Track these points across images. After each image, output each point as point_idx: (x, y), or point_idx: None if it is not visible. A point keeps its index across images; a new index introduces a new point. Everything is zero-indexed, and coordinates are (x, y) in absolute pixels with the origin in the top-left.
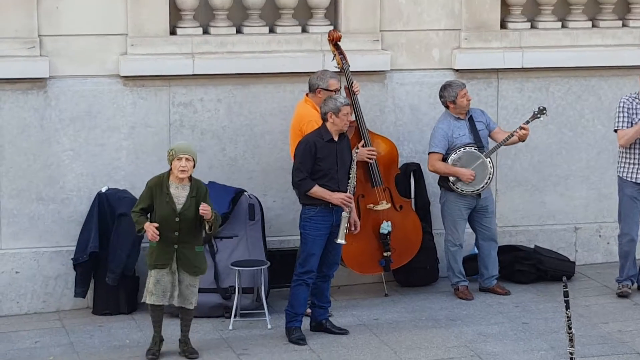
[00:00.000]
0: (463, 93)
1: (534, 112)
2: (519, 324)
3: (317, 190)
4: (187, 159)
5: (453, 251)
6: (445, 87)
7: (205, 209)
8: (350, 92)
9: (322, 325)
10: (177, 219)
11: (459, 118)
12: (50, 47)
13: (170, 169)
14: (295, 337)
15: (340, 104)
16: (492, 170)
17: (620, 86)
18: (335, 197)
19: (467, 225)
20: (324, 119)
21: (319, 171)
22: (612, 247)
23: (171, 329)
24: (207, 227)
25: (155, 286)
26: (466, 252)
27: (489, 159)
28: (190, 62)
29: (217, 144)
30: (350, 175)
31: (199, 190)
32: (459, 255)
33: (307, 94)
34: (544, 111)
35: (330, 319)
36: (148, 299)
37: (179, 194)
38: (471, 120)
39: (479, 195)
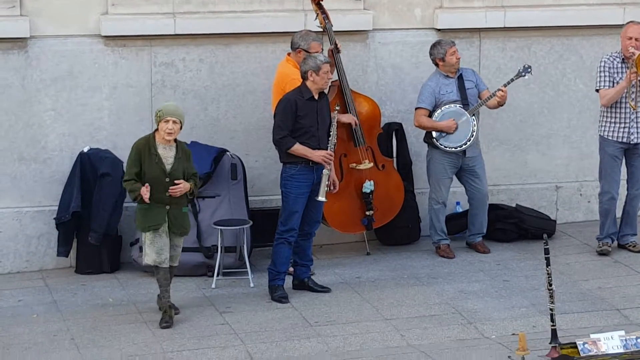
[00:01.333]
0: (452, 51)
1: (519, 70)
2: (499, 281)
3: (298, 148)
4: (174, 122)
5: (436, 209)
6: (434, 45)
7: (175, 190)
8: (334, 51)
9: (304, 284)
10: (167, 179)
11: (447, 76)
12: (30, 7)
13: (157, 129)
14: (277, 295)
15: (321, 62)
16: (474, 128)
17: (601, 45)
18: (317, 155)
19: (453, 184)
20: (304, 77)
21: (300, 129)
22: (592, 205)
23: (153, 286)
24: (188, 194)
25: (150, 247)
26: (449, 211)
27: (472, 118)
28: (172, 21)
29: (199, 104)
30: (331, 133)
31: (183, 151)
32: (442, 213)
33: (289, 53)
34: (529, 69)
35: (312, 277)
36: (147, 260)
37: (167, 154)
38: (460, 79)
39: (464, 153)
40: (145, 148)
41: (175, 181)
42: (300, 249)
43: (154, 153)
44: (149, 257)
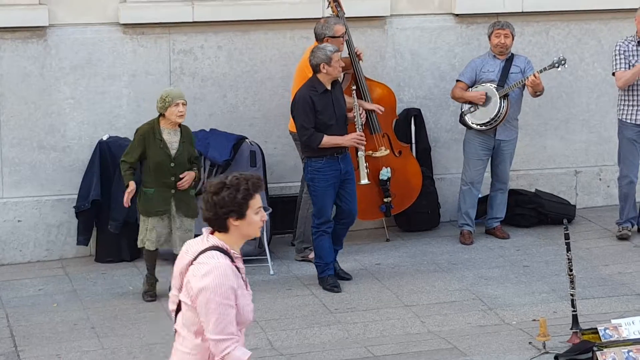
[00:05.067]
0: (497, 33)
1: (554, 60)
2: (520, 267)
3: (328, 140)
4: (183, 104)
5: (464, 190)
6: (490, 25)
7: (182, 184)
8: (352, 55)
9: None
10: (172, 164)
11: (495, 57)
12: None
13: (161, 115)
14: (330, 285)
15: (331, 52)
16: (502, 110)
17: (620, 29)
18: (348, 139)
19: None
20: (316, 70)
21: (321, 125)
22: (612, 190)
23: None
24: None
25: (151, 232)
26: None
27: (502, 99)
28: (190, 9)
29: (218, 91)
30: (356, 114)
31: (187, 135)
32: (469, 196)
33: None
34: (564, 62)
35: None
36: (148, 245)
37: (171, 139)
38: (508, 62)
39: (494, 135)
40: (149, 134)
41: (180, 175)
42: (335, 234)
43: (159, 138)
44: (149, 242)
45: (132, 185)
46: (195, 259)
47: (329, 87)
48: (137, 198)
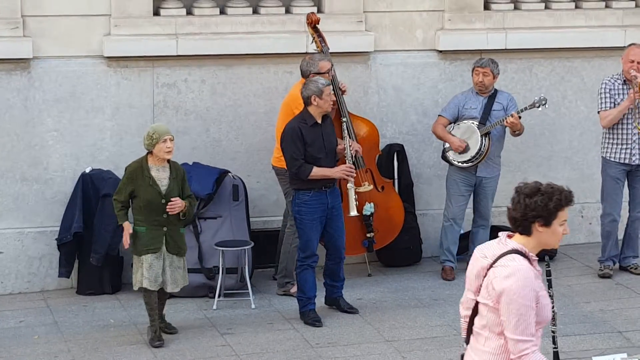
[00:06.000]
0: (477, 71)
1: (535, 100)
2: None
3: (318, 171)
4: (170, 140)
5: (445, 226)
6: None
7: (173, 205)
8: (335, 89)
9: (333, 302)
10: (162, 201)
11: (478, 93)
12: (33, 28)
13: (149, 153)
14: (311, 320)
15: (322, 85)
16: (482, 148)
17: (603, 67)
18: (337, 171)
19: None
20: (307, 103)
21: (309, 157)
22: (594, 227)
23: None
24: (180, 215)
25: (149, 271)
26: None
27: (483, 137)
28: (174, 42)
29: (201, 124)
30: (346, 146)
31: (177, 171)
32: (451, 232)
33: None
34: (545, 102)
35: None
36: (142, 283)
37: (161, 176)
38: (491, 99)
39: (475, 171)
40: (138, 172)
41: (172, 199)
42: (331, 272)
43: (147, 176)
44: (148, 281)
45: (127, 225)
46: (495, 262)
47: (319, 121)
48: (130, 237)
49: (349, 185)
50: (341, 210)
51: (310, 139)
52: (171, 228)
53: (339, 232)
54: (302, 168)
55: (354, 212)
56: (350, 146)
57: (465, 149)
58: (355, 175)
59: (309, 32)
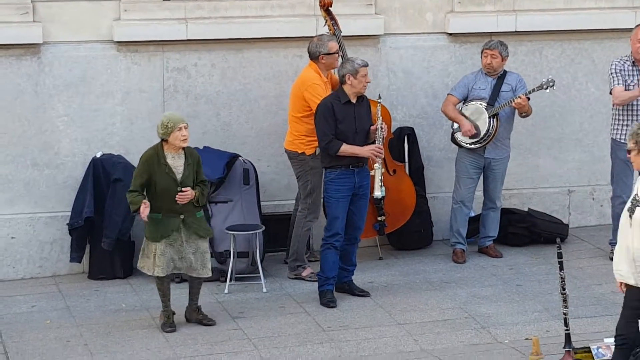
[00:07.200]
0: (485, 53)
1: (542, 82)
2: (512, 285)
3: (346, 148)
4: (185, 127)
5: (454, 208)
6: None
7: (182, 196)
8: None
9: (344, 286)
10: (178, 189)
11: (487, 74)
12: (43, 13)
13: (164, 141)
14: (326, 300)
15: (358, 66)
16: (490, 129)
17: (613, 49)
18: (366, 150)
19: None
20: (342, 81)
21: (339, 134)
22: (605, 209)
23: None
24: (193, 202)
25: (160, 258)
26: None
27: (491, 118)
28: (184, 27)
29: (211, 109)
30: (378, 127)
31: (192, 157)
32: (460, 214)
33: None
34: (552, 84)
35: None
36: (154, 271)
37: (176, 163)
38: (500, 80)
39: (484, 152)
40: (154, 159)
41: (183, 189)
42: (345, 253)
43: (164, 163)
44: (158, 268)
45: (145, 201)
46: None
47: (353, 100)
48: (145, 223)
49: (376, 165)
50: (368, 191)
51: (341, 116)
52: (187, 215)
53: (361, 212)
54: (332, 144)
55: (378, 193)
56: (382, 129)
57: (476, 135)
58: (383, 156)
59: (322, 15)
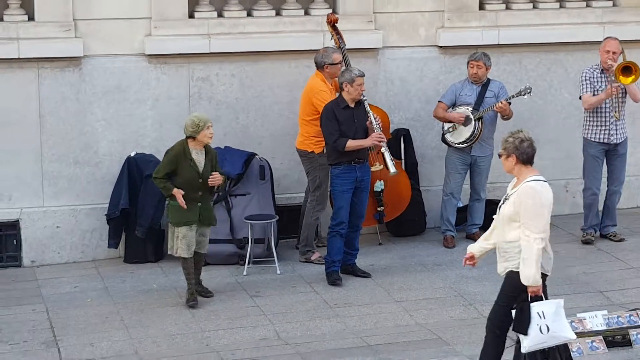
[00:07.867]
0: (471, 64)
1: (520, 89)
2: (496, 267)
3: (352, 143)
4: (211, 126)
5: (445, 200)
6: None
7: (214, 179)
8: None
9: (349, 269)
10: (200, 180)
11: (473, 83)
12: (84, 30)
13: (190, 138)
14: (333, 279)
15: (355, 75)
16: (476, 131)
17: (584, 59)
18: (368, 140)
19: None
20: (341, 88)
21: (342, 134)
22: (577, 200)
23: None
24: (216, 188)
25: (182, 241)
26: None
27: (476, 121)
28: (207, 42)
29: (231, 113)
30: (371, 119)
31: (211, 154)
32: (449, 205)
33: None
34: (529, 91)
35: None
36: (180, 252)
37: (199, 158)
38: (484, 87)
39: (470, 151)
40: (181, 154)
41: (213, 173)
42: (349, 239)
43: (190, 158)
44: (181, 250)
45: (177, 191)
46: None
47: (351, 105)
48: (167, 210)
49: (383, 149)
50: (369, 184)
51: (342, 119)
52: (204, 203)
53: (362, 203)
54: (339, 141)
55: (393, 170)
56: (375, 119)
57: (467, 120)
58: (385, 140)
59: (329, 30)
